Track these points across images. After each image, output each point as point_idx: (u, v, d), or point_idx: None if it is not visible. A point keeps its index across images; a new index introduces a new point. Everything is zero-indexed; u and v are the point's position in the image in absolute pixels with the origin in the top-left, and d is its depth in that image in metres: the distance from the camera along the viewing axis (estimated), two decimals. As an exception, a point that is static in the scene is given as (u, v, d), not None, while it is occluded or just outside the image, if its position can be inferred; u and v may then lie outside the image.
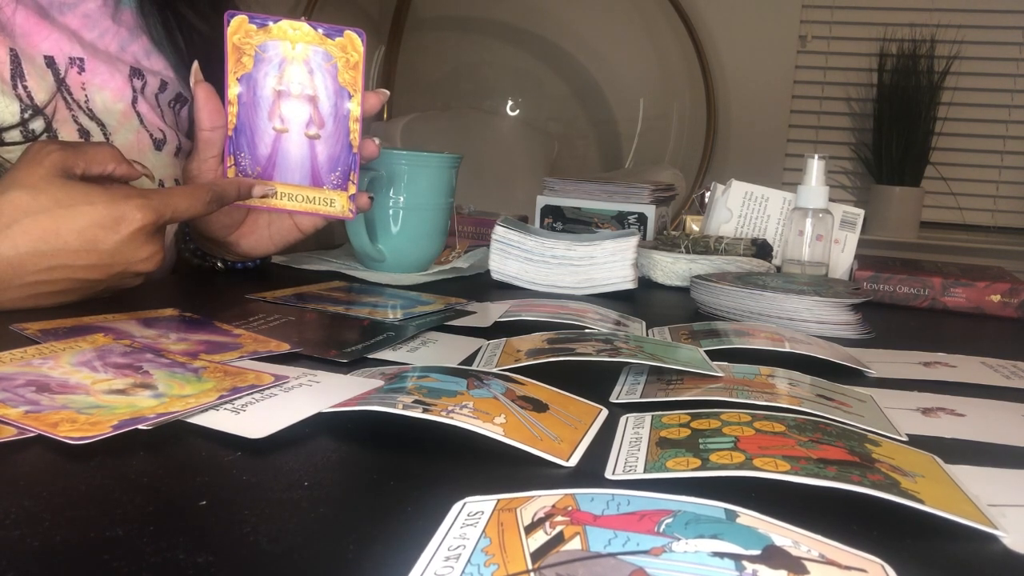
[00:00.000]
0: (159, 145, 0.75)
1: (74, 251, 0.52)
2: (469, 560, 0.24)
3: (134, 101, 0.73)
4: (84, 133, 0.69)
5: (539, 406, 0.39)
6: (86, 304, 0.56)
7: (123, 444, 0.33)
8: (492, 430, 0.35)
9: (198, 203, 0.58)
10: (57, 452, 0.32)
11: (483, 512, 0.27)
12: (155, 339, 0.48)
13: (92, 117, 0.70)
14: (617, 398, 0.44)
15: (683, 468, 0.32)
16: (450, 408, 0.36)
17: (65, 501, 0.28)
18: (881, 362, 0.56)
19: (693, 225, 1.12)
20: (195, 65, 0.65)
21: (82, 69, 0.69)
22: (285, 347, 0.48)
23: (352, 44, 0.65)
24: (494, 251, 0.80)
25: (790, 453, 0.33)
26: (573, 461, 0.34)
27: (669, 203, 1.14)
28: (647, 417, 0.40)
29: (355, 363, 0.47)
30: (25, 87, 0.65)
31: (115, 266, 0.54)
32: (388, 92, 0.69)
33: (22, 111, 0.64)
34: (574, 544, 0.25)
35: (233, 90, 0.65)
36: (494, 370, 0.45)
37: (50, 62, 0.67)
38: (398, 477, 0.32)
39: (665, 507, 0.27)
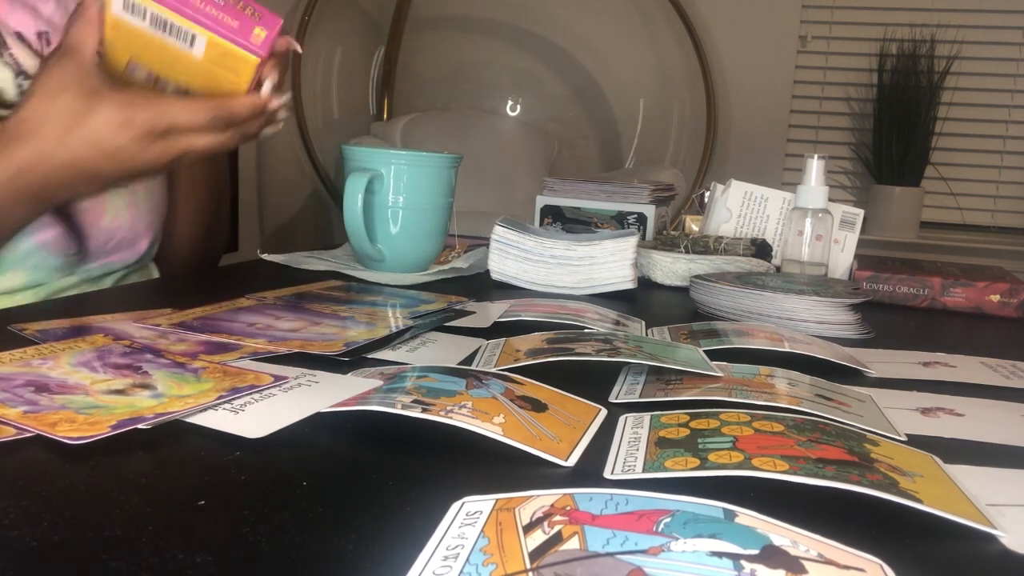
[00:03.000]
0: None
1: (82, 150, 0.56)
2: (468, 559, 0.24)
3: None
4: None
5: (538, 406, 0.39)
6: (86, 304, 0.56)
7: (122, 444, 0.33)
8: (491, 430, 0.35)
9: (198, 115, 0.57)
10: (56, 452, 0.32)
11: (481, 512, 0.27)
12: (154, 339, 0.48)
13: None
14: (616, 398, 0.44)
15: (682, 468, 0.32)
16: (449, 408, 0.36)
17: (64, 501, 0.28)
18: (880, 362, 0.56)
19: (693, 225, 1.12)
20: None
21: (49, 42, 0.70)
22: (284, 348, 0.48)
23: None
24: (494, 251, 0.80)
25: (789, 453, 0.33)
26: (572, 461, 0.34)
27: (669, 203, 1.13)
28: (646, 417, 0.40)
29: (354, 363, 0.47)
30: (11, 55, 0.66)
31: (129, 163, 0.57)
32: None
33: (15, 76, 0.65)
34: (572, 544, 0.25)
35: None
36: (493, 370, 0.45)
37: (20, 37, 0.68)
38: (397, 477, 0.32)
39: (664, 507, 0.27)
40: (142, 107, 0.56)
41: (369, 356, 0.49)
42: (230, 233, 1.80)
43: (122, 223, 0.74)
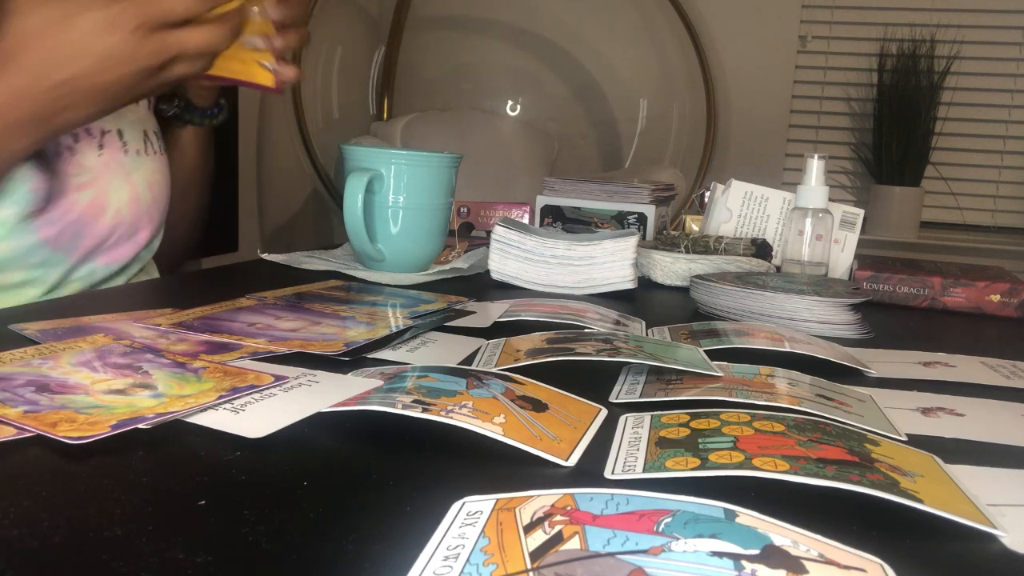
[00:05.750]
0: None
1: (74, 61, 0.54)
2: (468, 560, 0.24)
3: None
4: None
5: (538, 406, 0.39)
6: (86, 304, 0.56)
7: (122, 444, 0.33)
8: (491, 430, 0.35)
9: (202, 5, 0.57)
10: (56, 452, 0.32)
11: (482, 512, 0.27)
12: (155, 339, 0.48)
13: None
14: (616, 398, 0.44)
15: (682, 468, 0.32)
16: (449, 408, 0.36)
17: (64, 501, 0.28)
18: (881, 362, 0.56)
19: (693, 225, 1.12)
20: None
21: None
22: (284, 348, 0.48)
23: None
24: (494, 251, 0.80)
25: (789, 453, 0.33)
26: (572, 461, 0.34)
27: (669, 203, 1.13)
28: (646, 417, 0.40)
29: (354, 363, 0.47)
30: None
31: (124, 66, 0.55)
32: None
33: None
34: (573, 544, 0.25)
35: None
36: (493, 370, 0.45)
37: None
38: (397, 477, 0.32)
39: (664, 507, 0.27)
40: (125, 1, 0.54)
41: (369, 356, 0.49)
42: (230, 233, 1.81)
43: (123, 219, 0.74)
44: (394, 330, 0.54)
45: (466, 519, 0.27)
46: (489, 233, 0.82)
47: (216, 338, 0.49)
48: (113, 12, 0.54)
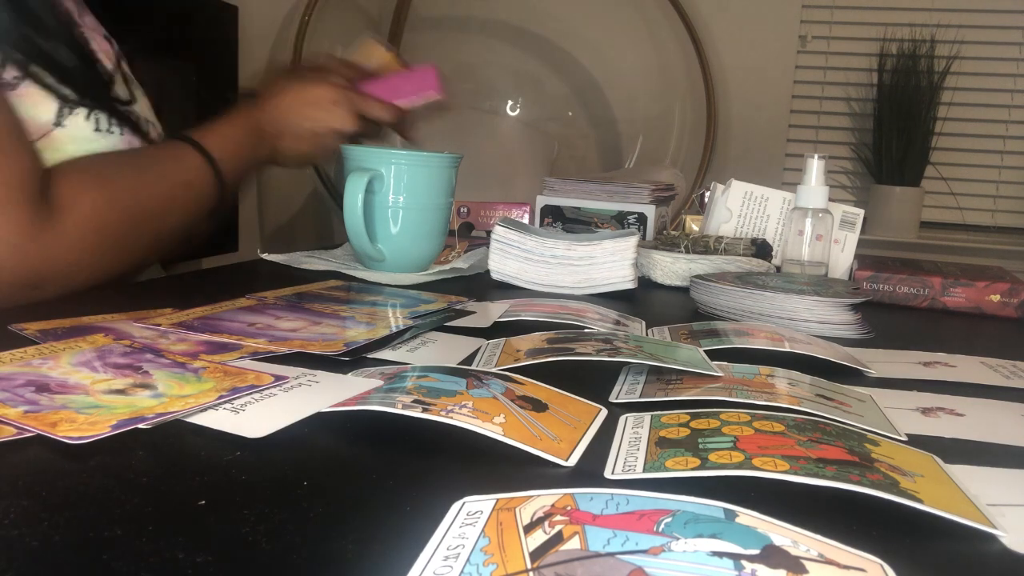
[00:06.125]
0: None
1: (305, 108, 0.84)
2: (468, 560, 0.24)
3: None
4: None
5: (538, 406, 0.39)
6: (86, 304, 0.56)
7: (122, 444, 0.33)
8: (491, 430, 0.35)
9: (389, 116, 0.89)
10: (56, 452, 0.32)
11: (482, 512, 0.27)
12: (155, 339, 0.48)
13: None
14: (616, 398, 0.44)
15: (682, 468, 0.32)
16: (449, 408, 0.36)
17: (64, 501, 0.28)
18: (881, 362, 0.56)
19: (693, 225, 1.12)
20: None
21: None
22: (284, 348, 0.48)
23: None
24: (494, 251, 0.80)
25: (789, 453, 0.33)
26: (572, 461, 0.34)
27: (669, 203, 1.13)
28: (646, 417, 0.40)
29: (354, 363, 0.47)
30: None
31: (329, 124, 0.84)
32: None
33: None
34: (573, 543, 0.25)
35: None
36: (493, 370, 0.45)
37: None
38: (397, 477, 0.32)
39: (664, 507, 0.27)
40: (349, 92, 0.85)
41: (369, 356, 0.49)
42: (230, 233, 1.81)
43: None
44: (394, 330, 0.54)
45: (466, 519, 0.27)
46: (489, 233, 0.82)
47: (216, 338, 0.49)
48: (341, 91, 0.84)
